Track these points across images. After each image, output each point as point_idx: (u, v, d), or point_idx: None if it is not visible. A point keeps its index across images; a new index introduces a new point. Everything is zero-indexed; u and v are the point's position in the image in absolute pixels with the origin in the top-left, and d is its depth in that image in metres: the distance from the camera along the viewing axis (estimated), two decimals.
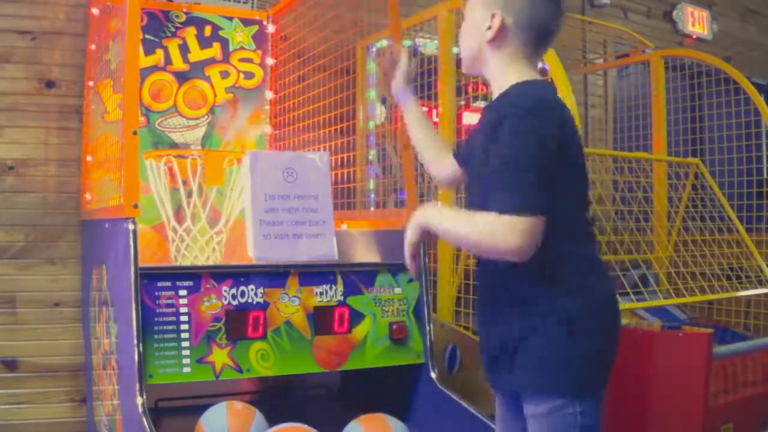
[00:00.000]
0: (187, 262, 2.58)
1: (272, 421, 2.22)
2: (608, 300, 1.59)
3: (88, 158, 2.83)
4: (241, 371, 2.15)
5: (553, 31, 1.63)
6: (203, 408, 2.24)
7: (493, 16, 1.59)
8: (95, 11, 2.86)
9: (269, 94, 3.25)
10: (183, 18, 3.08)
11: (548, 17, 1.60)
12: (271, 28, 3.26)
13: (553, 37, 1.65)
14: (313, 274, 2.30)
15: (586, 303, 1.52)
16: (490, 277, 1.62)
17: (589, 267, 1.57)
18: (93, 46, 2.89)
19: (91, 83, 2.89)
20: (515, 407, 1.62)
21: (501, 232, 1.40)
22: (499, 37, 1.59)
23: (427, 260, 2.46)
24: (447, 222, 1.56)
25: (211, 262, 2.59)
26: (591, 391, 1.52)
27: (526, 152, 1.42)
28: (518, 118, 1.45)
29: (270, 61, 3.25)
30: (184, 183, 2.59)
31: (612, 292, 1.62)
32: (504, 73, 1.60)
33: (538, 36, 1.61)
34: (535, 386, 1.52)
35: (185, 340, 2.08)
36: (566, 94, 2.48)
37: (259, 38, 3.25)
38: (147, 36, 2.98)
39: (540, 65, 1.77)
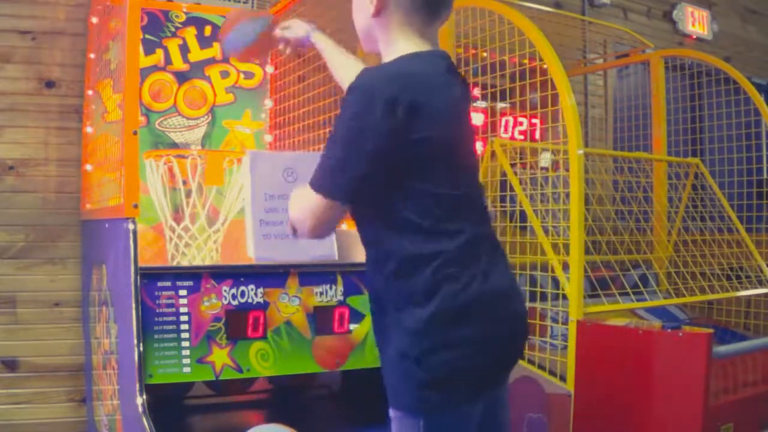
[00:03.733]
0: (186, 262, 2.58)
1: (272, 421, 2.22)
2: (468, 306, 1.40)
3: (88, 167, 2.84)
4: (241, 371, 2.15)
5: None
6: (203, 408, 2.24)
7: None
8: (95, 20, 2.87)
9: (269, 103, 3.26)
10: (183, 18, 3.08)
11: None
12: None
13: (439, 5, 1.53)
14: (313, 274, 2.30)
15: (432, 314, 1.38)
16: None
17: (444, 270, 1.40)
18: (92, 55, 2.90)
19: (90, 92, 2.89)
20: None
21: (297, 200, 1.49)
22: (381, 10, 1.52)
23: None
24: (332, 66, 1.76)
25: (208, 262, 2.59)
26: (436, 408, 1.40)
27: (343, 136, 1.41)
28: (350, 99, 1.41)
29: (270, 69, 3.26)
30: (184, 183, 2.59)
31: (479, 294, 1.41)
32: (390, 46, 1.54)
33: (421, 2, 1.51)
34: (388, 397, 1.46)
35: (185, 340, 2.08)
36: (566, 94, 2.48)
37: None
38: (147, 36, 2.98)
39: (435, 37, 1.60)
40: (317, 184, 1.44)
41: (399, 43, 1.53)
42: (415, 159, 1.40)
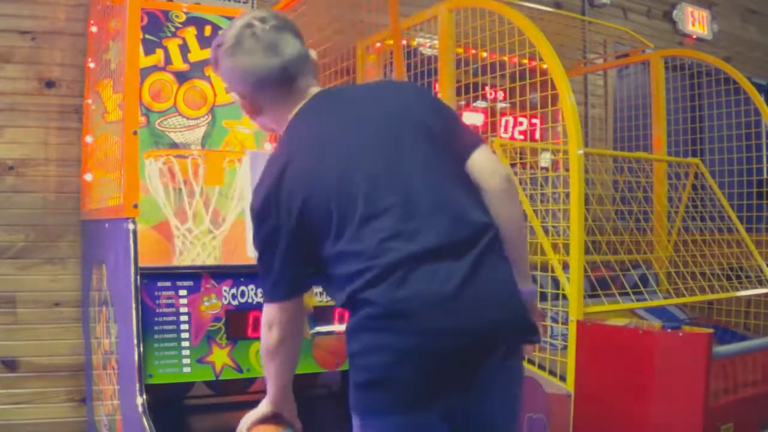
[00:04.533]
0: (187, 262, 2.58)
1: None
2: (387, 316, 1.41)
3: (88, 177, 2.84)
4: (241, 371, 2.15)
5: (281, 72, 1.58)
6: (203, 408, 2.24)
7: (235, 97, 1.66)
8: (94, 29, 2.87)
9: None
10: (183, 18, 3.08)
11: (262, 66, 1.58)
12: None
13: (289, 74, 1.59)
14: None
15: (355, 322, 1.46)
16: None
17: (365, 291, 1.43)
18: (92, 64, 2.90)
19: (89, 101, 2.89)
20: None
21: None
22: (256, 110, 1.65)
23: None
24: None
25: (210, 261, 2.59)
26: (367, 410, 1.46)
27: (258, 254, 1.57)
28: (251, 211, 1.58)
29: None
30: (185, 183, 2.59)
31: (392, 304, 1.41)
32: (279, 126, 1.65)
33: (272, 85, 1.59)
34: None
35: (185, 340, 2.08)
36: (566, 94, 2.48)
37: None
38: (147, 36, 2.98)
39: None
40: (263, 295, 1.60)
41: (283, 120, 1.63)
42: (312, 232, 1.49)
